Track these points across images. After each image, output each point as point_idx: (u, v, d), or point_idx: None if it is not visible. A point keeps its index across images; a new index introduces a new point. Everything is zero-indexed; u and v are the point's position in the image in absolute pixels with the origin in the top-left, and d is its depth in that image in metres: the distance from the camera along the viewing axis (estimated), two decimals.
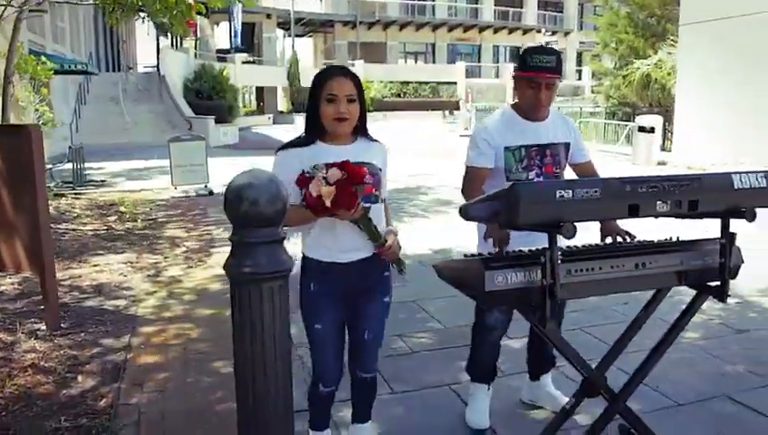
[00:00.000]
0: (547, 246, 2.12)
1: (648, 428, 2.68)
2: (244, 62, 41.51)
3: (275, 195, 1.63)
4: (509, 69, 47.96)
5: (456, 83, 44.52)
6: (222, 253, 6.77)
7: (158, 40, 39.18)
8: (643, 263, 2.36)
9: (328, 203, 2.30)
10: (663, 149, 17.37)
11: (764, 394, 3.52)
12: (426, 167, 13.93)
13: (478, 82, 45.46)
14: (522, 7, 52.41)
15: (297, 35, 46.65)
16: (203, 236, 7.76)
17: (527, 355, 3.40)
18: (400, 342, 4.28)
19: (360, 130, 2.59)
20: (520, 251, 2.34)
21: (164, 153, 13.64)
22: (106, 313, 4.92)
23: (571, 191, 2.03)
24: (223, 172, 12.75)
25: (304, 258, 2.59)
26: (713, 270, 2.46)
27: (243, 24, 42.14)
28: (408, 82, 44.03)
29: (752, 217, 2.32)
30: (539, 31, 48.23)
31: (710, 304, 4.94)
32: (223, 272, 5.49)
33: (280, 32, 48.93)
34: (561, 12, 54.40)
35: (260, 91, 49.46)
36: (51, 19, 20.88)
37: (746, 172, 2.34)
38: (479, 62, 51.61)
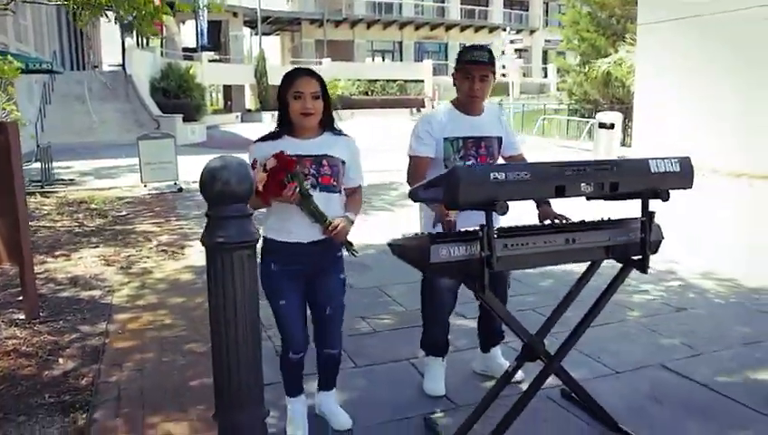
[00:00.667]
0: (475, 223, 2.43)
1: (582, 387, 3.01)
2: (210, 61, 41.41)
3: (244, 176, 1.90)
4: None
5: (423, 81, 44.93)
6: (194, 246, 7.00)
7: (122, 39, 38.94)
8: (573, 239, 2.66)
9: (260, 188, 2.59)
10: (623, 144, 17.90)
11: (694, 362, 3.87)
12: (393, 163, 14.16)
13: (445, 80, 45.86)
14: (487, 6, 53.03)
15: (264, 34, 46.65)
16: (174, 231, 7.97)
17: (478, 329, 3.71)
18: (363, 323, 4.57)
19: (327, 126, 2.88)
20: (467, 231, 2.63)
21: (132, 152, 13.73)
22: (82, 302, 5.13)
23: (504, 174, 2.33)
24: (192, 170, 12.89)
25: (264, 240, 2.85)
26: (636, 245, 2.77)
27: (209, 22, 42.05)
28: (375, 80, 44.31)
29: (666, 198, 2.63)
30: (504, 29, 48.92)
31: (654, 286, 5.37)
32: (194, 264, 5.74)
33: (247, 30, 48.84)
34: (527, 10, 55.14)
35: (227, 89, 49.37)
36: (13, 17, 20.72)
37: (662, 158, 2.66)
38: (446, 60, 51.99)
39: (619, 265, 2.86)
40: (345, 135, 2.96)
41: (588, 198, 2.68)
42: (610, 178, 2.53)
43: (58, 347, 4.18)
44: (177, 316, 4.79)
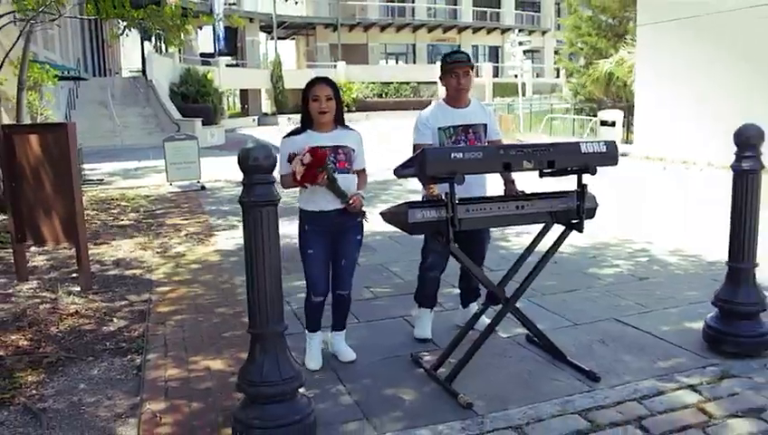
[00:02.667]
0: (468, 194, 3.20)
1: (536, 327, 3.76)
2: (227, 66, 42.41)
3: (269, 154, 2.68)
4: (488, 68, 49.26)
5: (436, 83, 45.52)
6: (219, 235, 7.83)
7: (142, 45, 40.08)
8: (522, 205, 3.44)
9: (299, 178, 3.43)
10: (627, 141, 18.57)
11: (643, 317, 4.60)
12: (401, 161, 14.99)
13: None
14: (499, 7, 53.65)
15: (279, 38, 47.54)
16: (201, 223, 8.78)
17: (459, 288, 4.47)
18: (368, 291, 5.35)
19: (339, 122, 3.75)
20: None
21: (155, 154, 14.64)
22: (127, 278, 5.95)
23: (461, 153, 3.11)
24: (212, 170, 13.79)
25: (301, 210, 3.72)
26: (574, 211, 3.53)
27: (226, 27, 43.00)
28: (389, 83, 45.12)
29: (593, 172, 3.38)
30: (516, 31, 49.48)
31: (625, 261, 6.12)
32: (221, 248, 6.63)
33: (263, 35, 49.80)
34: (539, 11, 55.69)
35: (244, 93, 50.34)
36: (41, 26, 21.64)
37: (591, 141, 3.42)
38: None
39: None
40: (352, 129, 3.85)
41: (541, 176, 3.44)
42: (548, 157, 3.29)
43: (111, 310, 5.00)
44: (209, 289, 5.60)
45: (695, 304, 4.84)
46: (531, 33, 52.19)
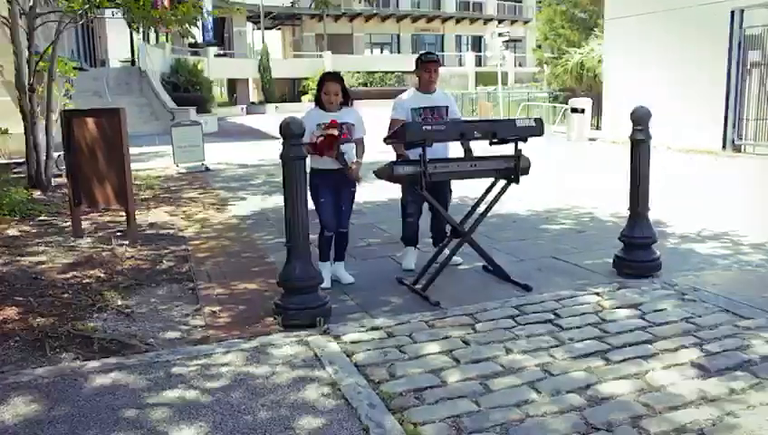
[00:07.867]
0: (434, 156, 4.55)
1: (486, 253, 5.13)
2: (216, 56, 43.42)
3: (300, 125, 4.02)
4: (471, 58, 50.63)
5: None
6: (233, 205, 9.15)
7: (131, 35, 41.06)
8: (475, 164, 4.80)
9: (317, 143, 4.75)
10: (597, 127, 20.00)
11: (575, 254, 5.98)
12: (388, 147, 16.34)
13: (442, 71, 47.30)
14: None
15: (266, 28, 48.63)
16: (214, 196, 10.10)
17: (430, 230, 5.83)
18: (361, 241, 6.71)
19: (344, 103, 5.05)
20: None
21: (154, 140, 15.78)
22: (163, 235, 7.27)
23: (430, 126, 4.46)
24: (212, 155, 15.06)
25: (311, 169, 5.02)
26: (512, 169, 4.88)
27: (213, 18, 43.98)
28: (374, 72, 46.35)
29: (525, 141, 4.74)
30: (499, 21, 50.78)
31: (571, 220, 7.49)
32: (237, 214, 8.17)
33: (249, 25, 50.85)
34: (520, 1, 57.05)
35: (231, 82, 51.37)
36: (42, 19, 22.65)
37: (524, 118, 4.80)
38: (442, 51, 54.05)
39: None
40: (353, 109, 5.17)
41: (490, 144, 4.80)
42: (491, 129, 4.65)
43: (160, 256, 6.32)
44: (234, 242, 6.94)
45: (615, 248, 6.17)
46: (513, 23, 53.64)
